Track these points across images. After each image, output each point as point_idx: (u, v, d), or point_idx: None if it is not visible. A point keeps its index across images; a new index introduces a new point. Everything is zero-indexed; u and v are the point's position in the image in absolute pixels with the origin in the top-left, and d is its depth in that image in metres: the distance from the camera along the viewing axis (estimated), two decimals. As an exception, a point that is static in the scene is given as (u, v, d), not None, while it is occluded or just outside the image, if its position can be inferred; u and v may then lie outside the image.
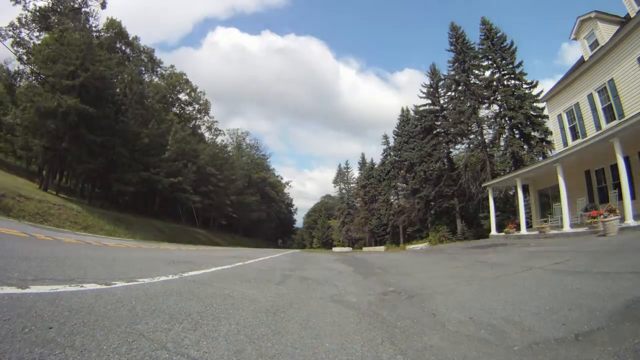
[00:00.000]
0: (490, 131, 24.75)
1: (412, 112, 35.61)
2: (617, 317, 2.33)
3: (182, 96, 50.81)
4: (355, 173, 62.74)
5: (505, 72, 24.07)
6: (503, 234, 16.35)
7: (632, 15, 12.09)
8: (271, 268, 6.72)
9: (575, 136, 14.95)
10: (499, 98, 23.58)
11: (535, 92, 22.91)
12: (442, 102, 29.68)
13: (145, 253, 7.37)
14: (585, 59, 14.28)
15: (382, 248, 29.49)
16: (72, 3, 27.23)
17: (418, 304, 3.30)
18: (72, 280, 2.98)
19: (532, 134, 22.52)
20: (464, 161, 25.02)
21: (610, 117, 12.78)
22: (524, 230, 14.87)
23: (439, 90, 30.06)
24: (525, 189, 18.13)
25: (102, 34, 36.75)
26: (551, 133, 19.52)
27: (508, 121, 23.39)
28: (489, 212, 18.97)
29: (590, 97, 13.85)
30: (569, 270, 4.47)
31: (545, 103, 18.60)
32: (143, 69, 42.75)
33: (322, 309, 3.03)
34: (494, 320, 2.57)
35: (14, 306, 1.99)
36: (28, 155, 30.69)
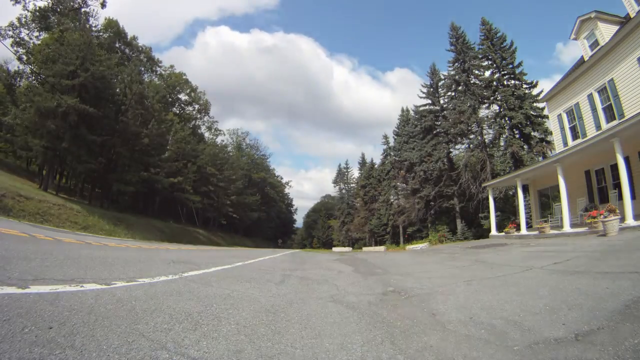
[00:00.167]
0: (490, 131, 24.76)
1: (412, 112, 35.64)
2: (617, 317, 2.33)
3: (182, 96, 50.83)
4: (355, 173, 62.88)
5: (505, 72, 24.09)
6: (503, 234, 16.35)
7: (632, 15, 12.09)
8: (271, 268, 6.72)
9: (575, 136, 14.95)
10: (499, 98, 23.58)
11: (535, 92, 22.94)
12: (442, 102, 29.69)
13: (145, 253, 7.37)
14: (585, 59, 14.28)
15: (382, 248, 29.49)
16: (71, 3, 27.26)
17: (418, 304, 3.30)
18: (72, 280, 2.98)
19: (532, 134, 22.52)
20: (464, 161, 25.02)
21: (610, 117, 12.78)
22: (524, 230, 14.87)
23: (439, 90, 30.07)
24: (525, 189, 18.14)
25: (102, 34, 36.79)
26: (551, 133, 19.52)
27: (508, 121, 23.40)
28: (489, 212, 18.97)
29: (590, 97, 13.85)
30: (569, 270, 4.47)
31: (545, 103, 18.60)
32: (142, 69, 42.76)
33: (322, 309, 3.03)
34: (494, 320, 2.57)
35: (14, 306, 1.99)
36: (28, 155, 30.69)
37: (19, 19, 30.74)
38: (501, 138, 23.98)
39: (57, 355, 1.46)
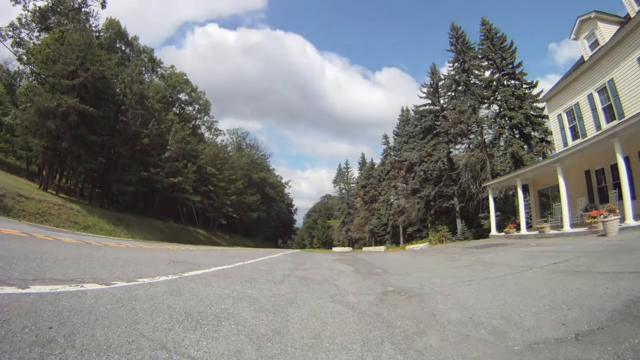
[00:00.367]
0: (490, 131, 24.75)
1: (412, 112, 35.64)
2: (617, 317, 2.33)
3: (182, 96, 50.86)
4: (355, 173, 62.88)
5: (505, 72, 24.08)
6: (503, 234, 16.35)
7: (632, 15, 12.09)
8: (271, 268, 6.72)
9: (575, 136, 14.95)
10: (499, 98, 23.58)
11: (535, 92, 22.93)
12: (442, 102, 29.69)
13: (145, 253, 7.37)
14: (585, 58, 14.28)
15: (382, 248, 29.47)
16: (72, 3, 27.26)
17: (418, 304, 3.30)
18: (72, 280, 2.98)
19: (532, 134, 22.52)
20: (464, 161, 25.01)
21: (610, 117, 12.78)
22: (524, 230, 14.87)
23: (439, 90, 30.07)
24: (525, 189, 18.14)
25: (102, 34, 36.79)
26: (551, 133, 19.52)
27: (508, 121, 23.39)
28: (489, 212, 18.96)
29: (590, 97, 13.85)
30: (569, 270, 4.47)
31: (545, 103, 18.60)
32: (143, 69, 42.78)
33: (322, 309, 3.03)
34: (494, 320, 2.57)
35: (14, 306, 1.99)
36: (28, 155, 30.72)
37: (19, 19, 30.72)
38: (501, 138, 23.97)
39: (57, 355, 1.46)
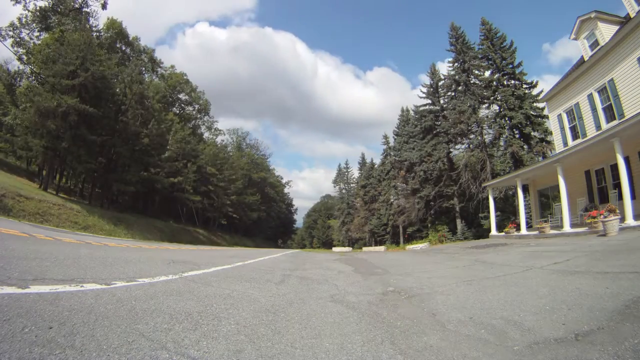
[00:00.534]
0: (490, 131, 24.75)
1: (412, 112, 35.65)
2: (617, 317, 2.33)
3: (182, 96, 50.87)
4: (355, 173, 62.92)
5: (505, 72, 24.08)
6: (503, 234, 16.35)
7: (632, 15, 12.09)
8: (271, 268, 6.72)
9: (575, 136, 14.95)
10: (499, 98, 23.58)
11: (535, 92, 22.94)
12: (442, 102, 29.69)
13: (145, 253, 7.37)
14: (585, 59, 14.28)
15: (382, 248, 29.48)
16: (72, 3, 27.27)
17: (418, 304, 3.30)
18: (72, 280, 2.98)
19: (532, 134, 22.52)
20: (464, 161, 25.01)
21: (610, 117, 12.78)
22: (524, 230, 14.87)
23: (439, 90, 30.08)
24: (525, 189, 18.14)
25: (102, 33, 36.81)
26: (551, 133, 19.52)
27: (508, 121, 23.40)
28: (489, 212, 18.97)
29: (590, 97, 13.85)
30: (569, 270, 4.47)
31: (545, 103, 18.60)
32: (143, 69, 42.80)
33: (322, 309, 3.03)
34: (494, 320, 2.57)
35: (14, 306, 1.99)
36: (28, 155, 30.71)
37: (19, 19, 30.78)
38: (501, 138, 23.97)
39: (57, 355, 1.46)
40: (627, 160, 10.36)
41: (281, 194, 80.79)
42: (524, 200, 16.18)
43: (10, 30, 30.62)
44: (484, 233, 22.41)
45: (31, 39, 31.62)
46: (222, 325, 2.24)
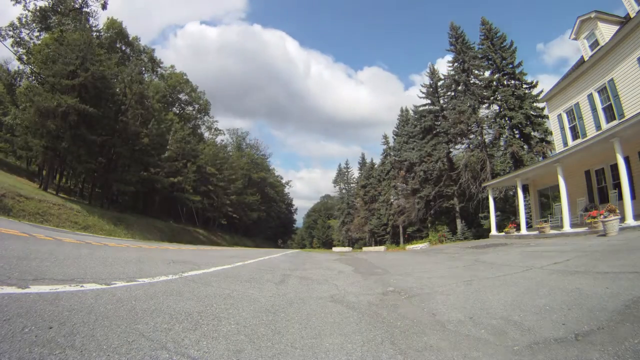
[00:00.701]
0: (490, 131, 24.75)
1: (411, 112, 35.66)
2: (617, 317, 2.33)
3: (182, 96, 50.86)
4: (355, 173, 62.92)
5: (505, 72, 24.08)
6: (503, 234, 16.35)
7: (632, 15, 12.09)
8: (271, 268, 6.72)
9: (575, 136, 14.95)
10: (499, 98, 23.58)
11: (535, 92, 22.94)
12: (441, 102, 29.69)
13: (145, 253, 7.37)
14: (585, 59, 14.28)
15: (382, 248, 29.48)
16: (72, 3, 27.28)
17: (418, 304, 3.30)
18: (72, 280, 2.98)
19: (532, 134, 22.52)
20: (464, 161, 25.01)
21: (610, 117, 12.78)
22: (524, 230, 14.87)
23: (439, 90, 30.08)
24: (525, 189, 18.14)
25: (102, 33, 36.81)
26: (551, 133, 19.53)
27: (508, 121, 23.40)
28: (489, 212, 18.97)
29: (590, 97, 13.85)
30: (569, 270, 4.47)
31: (545, 103, 18.61)
32: (143, 69, 42.81)
33: (322, 309, 3.03)
34: (494, 320, 2.57)
35: (14, 306, 1.99)
36: (28, 155, 30.72)
37: (19, 19, 30.78)
38: (501, 138, 23.98)
39: (57, 355, 1.46)
40: (627, 160, 10.36)
41: (281, 194, 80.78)
42: (524, 200, 16.19)
43: (10, 30, 30.63)
44: (484, 233, 22.41)
45: (31, 39, 31.64)
46: (222, 325, 2.25)
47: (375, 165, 50.24)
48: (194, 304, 2.71)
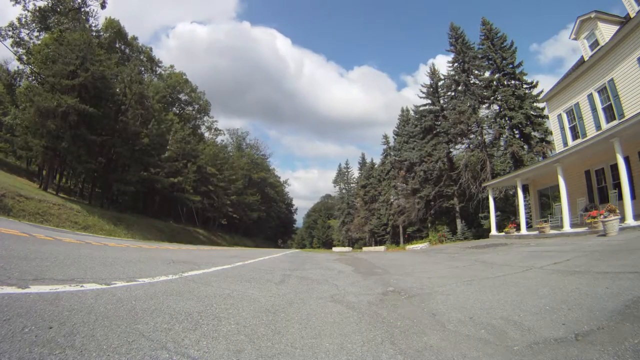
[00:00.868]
0: (490, 131, 24.76)
1: (412, 112, 35.66)
2: (617, 317, 2.33)
3: (182, 96, 50.84)
4: (355, 173, 62.95)
5: (505, 72, 24.09)
6: (503, 234, 16.35)
7: (632, 15, 12.10)
8: (271, 268, 6.72)
9: (575, 136, 14.95)
10: (499, 98, 23.58)
11: (535, 92, 22.94)
12: (442, 102, 29.70)
13: (145, 253, 7.37)
14: (585, 59, 14.29)
15: (382, 248, 29.48)
16: (72, 3, 27.27)
17: (418, 304, 3.30)
18: (72, 280, 2.98)
19: (532, 134, 22.53)
20: (464, 161, 25.02)
21: (610, 117, 12.79)
22: (524, 230, 14.87)
23: (439, 90, 30.09)
24: (525, 189, 18.14)
25: (102, 33, 36.80)
26: (551, 133, 19.53)
27: (508, 121, 23.40)
28: (489, 212, 18.97)
29: (590, 97, 13.86)
30: (569, 270, 4.47)
31: (545, 103, 18.61)
32: (143, 69, 42.81)
33: (322, 309, 3.03)
34: (494, 320, 2.57)
35: (14, 306, 1.99)
36: (28, 155, 30.72)
37: (18, 19, 30.74)
38: (501, 138, 23.98)
39: (57, 355, 1.46)
40: (627, 160, 10.36)
41: (281, 194, 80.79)
42: (524, 200, 16.19)
43: (9, 31, 30.61)
44: (484, 233, 22.41)
45: (31, 39, 31.61)
46: (222, 325, 2.25)
47: (375, 165, 50.25)
48: (194, 304, 2.71)
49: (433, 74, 30.78)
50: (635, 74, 11.49)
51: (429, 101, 30.60)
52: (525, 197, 17.16)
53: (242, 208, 52.57)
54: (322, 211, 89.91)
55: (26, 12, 28.29)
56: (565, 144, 15.43)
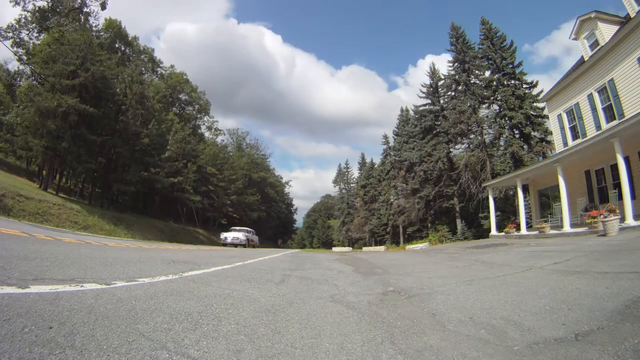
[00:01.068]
0: (490, 131, 24.77)
1: (411, 112, 35.67)
2: (617, 317, 2.33)
3: (182, 96, 50.85)
4: (355, 173, 62.97)
5: (505, 72, 24.10)
6: (503, 234, 16.35)
7: (632, 15, 12.09)
8: (271, 268, 6.72)
9: (575, 136, 14.95)
10: (499, 98, 23.60)
11: (535, 92, 22.96)
12: (442, 102, 29.71)
13: (145, 253, 7.37)
14: (585, 59, 14.29)
15: (382, 248, 29.47)
16: (71, 3, 27.26)
17: (418, 304, 3.30)
18: (72, 280, 2.98)
19: (532, 134, 22.54)
20: (464, 161, 25.02)
21: (610, 117, 12.79)
22: (524, 230, 14.87)
23: (439, 90, 30.09)
24: (525, 189, 18.14)
25: (102, 34, 36.79)
26: (551, 133, 19.54)
27: (508, 121, 23.41)
28: (489, 212, 18.97)
29: (590, 97, 13.86)
30: (569, 270, 4.47)
31: (545, 103, 18.61)
32: (143, 69, 42.81)
33: (322, 309, 3.03)
34: (494, 320, 2.57)
35: (14, 306, 1.99)
36: (28, 155, 30.72)
37: (18, 20, 30.75)
38: (501, 138, 23.99)
39: (57, 355, 1.46)
40: (627, 160, 10.36)
41: (281, 194, 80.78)
42: (524, 200, 16.19)
43: (10, 31, 30.61)
44: (484, 233, 22.41)
45: (31, 39, 31.63)
46: (222, 325, 2.25)
47: (375, 165, 50.26)
48: (194, 304, 2.71)
49: (433, 73, 30.80)
50: (635, 74, 11.49)
51: (429, 101, 30.62)
52: (525, 197, 17.16)
53: (242, 208, 52.58)
54: (322, 211, 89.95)
55: (26, 12, 28.32)
56: (565, 144, 15.43)
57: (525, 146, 22.55)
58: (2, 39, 28.40)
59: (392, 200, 39.78)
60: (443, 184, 27.50)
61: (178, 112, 48.73)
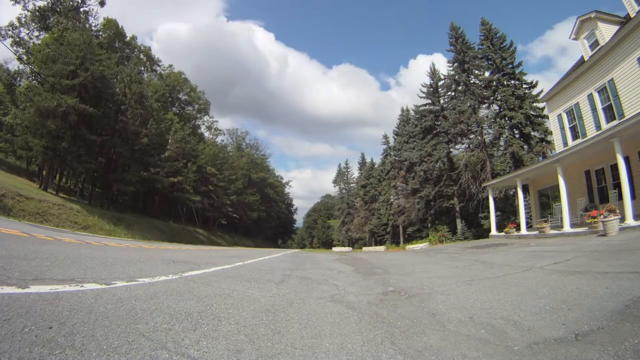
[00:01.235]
0: (490, 131, 24.76)
1: (412, 112, 35.67)
2: (617, 317, 2.33)
3: (182, 96, 50.84)
4: (355, 173, 62.96)
5: (505, 72, 24.09)
6: (503, 233, 16.35)
7: (632, 15, 12.09)
8: (271, 268, 6.72)
9: (575, 136, 14.95)
10: (499, 98, 23.58)
11: (535, 92, 22.94)
12: (442, 102, 29.71)
13: (145, 253, 7.37)
14: (585, 59, 14.29)
15: (382, 248, 29.47)
16: (71, 2, 27.24)
17: (418, 304, 3.30)
18: (72, 280, 2.98)
19: (532, 134, 22.53)
20: (464, 161, 25.02)
21: (610, 117, 12.79)
22: (524, 230, 14.87)
23: (439, 90, 30.09)
24: (525, 189, 18.14)
25: (101, 33, 36.79)
26: (551, 133, 19.53)
27: (508, 121, 23.40)
28: (489, 212, 18.97)
29: (590, 97, 13.86)
30: (569, 270, 4.47)
31: (545, 103, 18.61)
32: (142, 68, 42.80)
33: (321, 309, 3.03)
34: (494, 320, 2.57)
35: (14, 306, 1.99)
36: (28, 155, 30.72)
37: (18, 19, 30.73)
38: (501, 138, 23.98)
39: (57, 355, 1.46)
40: (627, 160, 10.36)
41: (281, 194, 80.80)
42: (524, 200, 16.19)
43: (9, 31, 30.58)
44: (484, 233, 22.41)
45: (30, 38, 31.59)
46: (222, 325, 2.25)
47: (375, 165, 50.26)
48: (194, 304, 2.71)
49: (433, 74, 30.79)
50: (635, 74, 11.49)
51: (429, 101, 30.60)
52: (525, 197, 17.17)
53: (242, 208, 52.59)
54: (322, 211, 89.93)
55: (26, 11, 28.27)
56: (565, 144, 15.43)
57: (525, 146, 22.54)
58: (1, 38, 28.39)
59: (392, 200, 39.76)
60: (443, 184, 27.50)
61: (178, 112, 48.73)
